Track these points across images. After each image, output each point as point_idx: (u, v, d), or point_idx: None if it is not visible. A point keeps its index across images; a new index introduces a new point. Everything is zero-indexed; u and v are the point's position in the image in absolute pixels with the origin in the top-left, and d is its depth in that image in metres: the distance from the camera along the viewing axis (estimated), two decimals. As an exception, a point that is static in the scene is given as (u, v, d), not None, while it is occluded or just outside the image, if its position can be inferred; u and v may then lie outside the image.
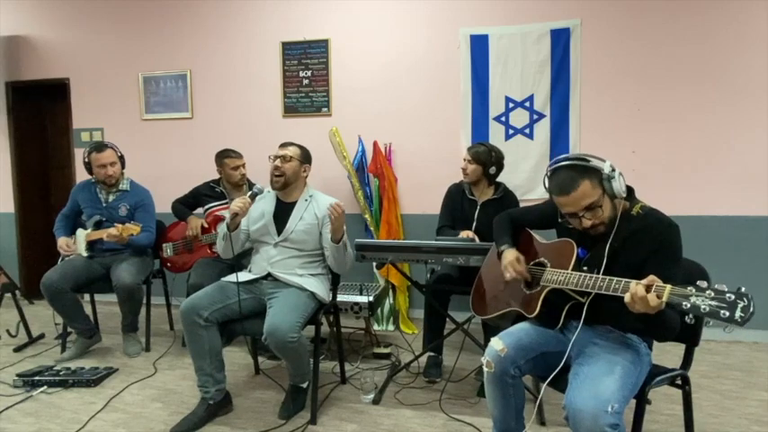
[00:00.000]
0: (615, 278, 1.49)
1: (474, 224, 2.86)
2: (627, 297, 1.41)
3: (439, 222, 3.01)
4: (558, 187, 1.64)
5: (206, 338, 2.27)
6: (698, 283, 1.29)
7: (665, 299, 1.33)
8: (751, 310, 1.21)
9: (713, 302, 1.25)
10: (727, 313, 1.23)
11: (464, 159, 2.89)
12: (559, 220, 1.73)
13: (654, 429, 2.25)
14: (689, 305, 1.29)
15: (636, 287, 1.39)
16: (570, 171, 1.62)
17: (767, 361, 3.07)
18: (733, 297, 1.23)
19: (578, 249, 1.71)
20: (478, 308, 2.11)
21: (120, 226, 2.98)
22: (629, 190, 1.69)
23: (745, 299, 1.22)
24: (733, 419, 2.35)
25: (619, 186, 1.59)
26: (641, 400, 1.64)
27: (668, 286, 1.34)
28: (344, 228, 2.35)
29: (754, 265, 3.34)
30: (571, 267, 1.68)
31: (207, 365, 2.30)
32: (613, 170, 1.60)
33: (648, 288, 1.37)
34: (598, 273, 1.59)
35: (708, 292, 1.27)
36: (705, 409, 2.44)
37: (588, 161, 1.62)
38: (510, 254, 1.91)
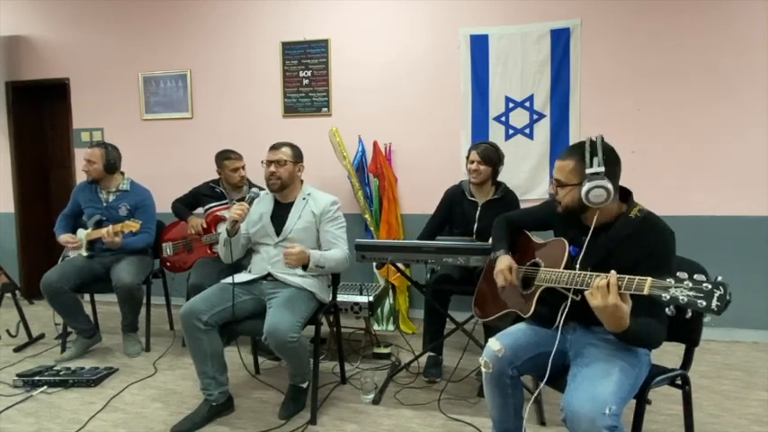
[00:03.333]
0: (603, 274, 1.49)
1: (475, 225, 2.86)
2: (593, 288, 1.44)
3: (425, 227, 3.01)
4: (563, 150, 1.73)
5: (207, 342, 2.27)
6: (678, 274, 1.30)
7: (646, 292, 1.35)
8: (727, 298, 1.22)
9: (691, 293, 1.27)
10: (704, 303, 1.24)
11: (473, 161, 2.84)
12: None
13: (654, 429, 2.26)
14: (668, 297, 1.30)
15: (598, 279, 1.43)
16: (577, 147, 1.67)
17: (767, 361, 3.07)
18: (710, 287, 1.25)
19: (570, 248, 1.71)
20: (480, 310, 2.11)
21: (118, 225, 3.01)
22: (628, 192, 1.70)
23: (721, 287, 1.23)
24: (733, 419, 2.35)
25: (584, 194, 1.58)
26: (641, 400, 1.64)
27: (649, 279, 1.36)
28: (306, 255, 2.27)
29: (754, 265, 3.34)
30: (563, 266, 1.69)
31: (209, 368, 2.30)
32: (600, 178, 1.56)
33: (610, 285, 1.40)
34: (590, 271, 1.59)
35: (686, 282, 1.28)
36: (705, 409, 2.44)
37: (591, 155, 1.61)
38: (502, 261, 1.92)
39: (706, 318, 1.27)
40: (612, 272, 1.43)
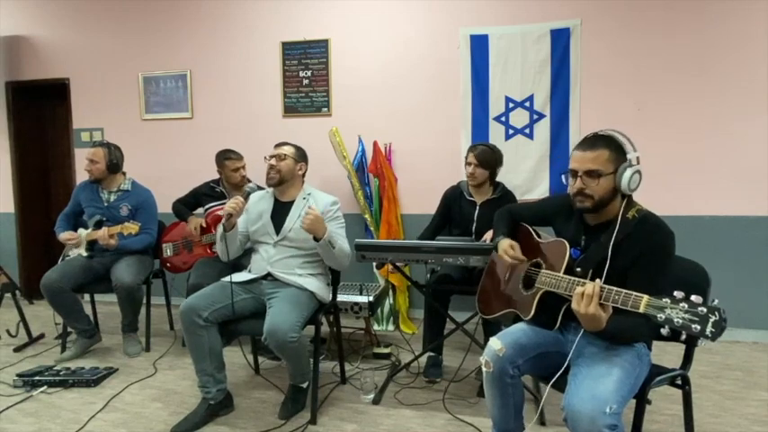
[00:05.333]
0: (600, 284, 1.49)
1: (474, 225, 2.86)
2: (575, 294, 1.46)
3: (425, 229, 3.03)
4: (580, 142, 1.68)
5: (206, 339, 2.27)
6: (674, 293, 1.29)
7: (642, 310, 1.34)
8: (722, 325, 1.21)
9: (686, 315, 1.26)
10: (699, 327, 1.23)
11: (470, 163, 2.84)
12: (562, 175, 1.74)
13: (654, 429, 2.26)
14: (663, 317, 1.29)
15: (580, 287, 1.45)
16: (603, 137, 1.66)
17: (767, 361, 3.07)
18: (705, 311, 1.23)
19: (571, 250, 1.71)
20: (483, 307, 2.12)
21: (116, 227, 3.02)
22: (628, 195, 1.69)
23: (716, 313, 1.22)
24: (733, 419, 2.35)
25: (627, 180, 1.59)
26: (641, 400, 1.64)
27: (645, 297, 1.35)
28: (324, 227, 2.30)
29: (754, 265, 3.34)
30: (564, 268, 1.68)
31: (207, 366, 2.30)
32: (637, 163, 1.62)
33: (593, 295, 1.42)
34: (590, 274, 1.59)
35: (682, 304, 1.27)
36: (705, 409, 2.44)
37: (623, 142, 1.65)
38: (503, 243, 1.93)
39: (702, 343, 1.26)
40: (597, 281, 1.45)
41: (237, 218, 2.41)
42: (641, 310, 1.34)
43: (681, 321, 1.26)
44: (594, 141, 1.64)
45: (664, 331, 1.31)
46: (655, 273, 1.52)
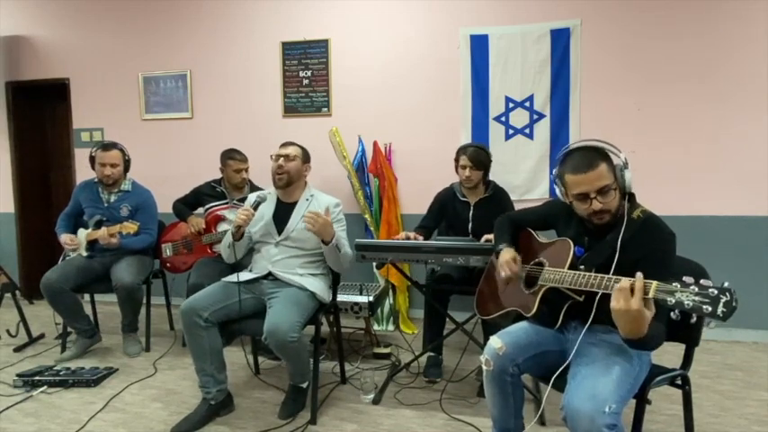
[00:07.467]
0: (607, 276, 1.50)
1: (470, 225, 2.86)
2: (617, 290, 1.39)
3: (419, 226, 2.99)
4: (575, 166, 1.64)
5: (206, 339, 2.27)
6: (684, 278, 1.29)
7: (651, 295, 1.33)
8: (733, 304, 1.21)
9: (697, 298, 1.25)
10: (710, 308, 1.23)
11: (464, 166, 2.81)
12: (569, 200, 1.70)
13: (654, 429, 2.26)
14: (673, 301, 1.29)
15: (624, 282, 1.39)
16: (590, 152, 1.66)
17: (767, 361, 3.07)
18: (716, 292, 1.23)
19: (575, 248, 1.71)
20: (482, 308, 2.12)
21: (115, 226, 3.02)
22: (631, 193, 1.70)
23: (727, 293, 1.22)
24: (733, 419, 2.35)
25: (630, 180, 1.64)
26: (641, 400, 1.64)
27: (654, 282, 1.34)
28: (333, 230, 2.32)
29: (754, 265, 3.34)
30: (568, 266, 1.68)
31: (208, 366, 2.30)
32: (627, 164, 1.65)
33: (635, 290, 1.36)
34: (593, 272, 1.59)
35: (692, 287, 1.27)
36: (705, 409, 2.44)
37: (608, 148, 1.68)
38: (506, 253, 1.92)
39: (711, 324, 1.26)
40: (639, 275, 1.37)
41: (246, 227, 2.42)
42: (650, 295, 1.33)
43: (691, 304, 1.25)
44: (590, 160, 1.62)
45: (673, 315, 1.31)
46: (658, 274, 1.52)
